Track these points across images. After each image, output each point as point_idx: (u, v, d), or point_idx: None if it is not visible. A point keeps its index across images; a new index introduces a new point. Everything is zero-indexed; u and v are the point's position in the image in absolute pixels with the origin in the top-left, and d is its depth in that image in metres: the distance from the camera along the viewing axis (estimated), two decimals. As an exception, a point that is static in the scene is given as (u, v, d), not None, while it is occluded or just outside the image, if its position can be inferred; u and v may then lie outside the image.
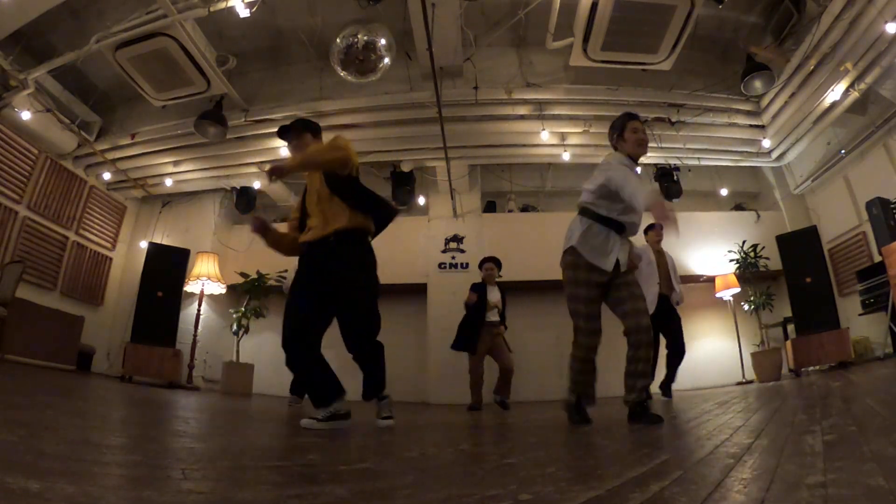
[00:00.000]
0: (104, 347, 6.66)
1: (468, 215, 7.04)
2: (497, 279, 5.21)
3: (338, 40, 5.30)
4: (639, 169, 2.69)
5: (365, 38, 5.22)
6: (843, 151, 5.96)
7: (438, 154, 6.10)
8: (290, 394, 4.66)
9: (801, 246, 6.03)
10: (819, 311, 5.62)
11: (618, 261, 2.50)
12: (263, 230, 2.61)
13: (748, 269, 6.31)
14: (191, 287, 6.63)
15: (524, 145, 6.49)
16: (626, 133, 2.68)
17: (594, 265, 2.48)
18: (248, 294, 6.41)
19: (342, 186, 2.49)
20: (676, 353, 4.51)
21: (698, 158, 6.75)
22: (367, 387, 2.61)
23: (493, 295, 4.97)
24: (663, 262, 4.63)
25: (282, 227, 2.82)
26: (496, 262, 5.26)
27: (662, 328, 4.39)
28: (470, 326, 4.85)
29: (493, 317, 4.94)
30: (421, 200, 7.26)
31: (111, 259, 7.13)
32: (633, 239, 2.69)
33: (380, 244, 4.40)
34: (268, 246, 2.72)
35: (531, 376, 6.47)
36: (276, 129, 6.99)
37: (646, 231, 4.68)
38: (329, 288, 2.47)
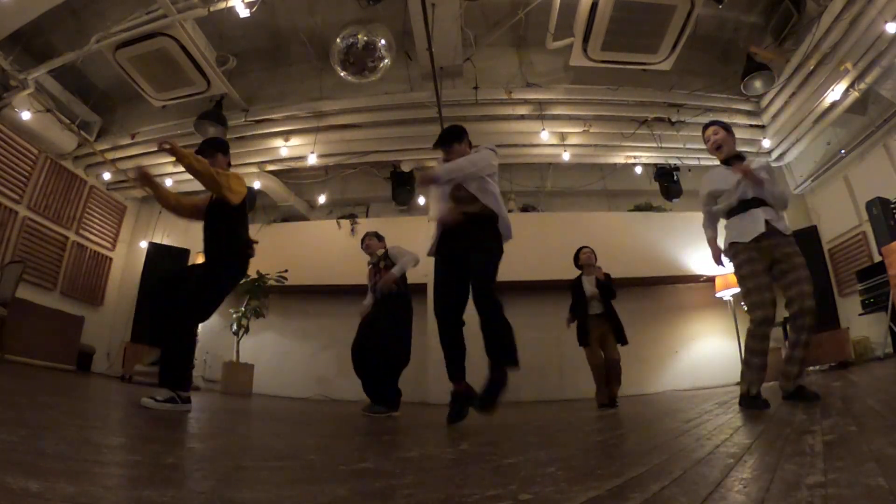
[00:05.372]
0: (104, 347, 6.66)
1: (468, 215, 7.05)
2: (593, 266, 4.63)
3: (338, 40, 5.30)
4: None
5: (365, 38, 5.23)
6: (843, 151, 5.96)
7: (438, 154, 6.10)
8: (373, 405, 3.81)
9: (800, 246, 5.95)
10: (819, 311, 5.61)
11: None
12: (147, 180, 3.05)
13: (748, 269, 6.30)
14: (191, 287, 6.63)
15: (524, 145, 6.49)
16: (706, 143, 3.02)
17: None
18: (247, 294, 6.41)
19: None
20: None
21: (698, 158, 6.75)
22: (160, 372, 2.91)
23: (589, 286, 4.52)
24: None
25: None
26: (591, 248, 4.72)
27: None
28: (579, 320, 4.58)
29: (595, 309, 4.46)
30: (421, 200, 7.26)
31: (111, 259, 7.13)
32: None
33: (393, 243, 4.47)
34: (158, 201, 3.28)
35: (531, 376, 6.47)
36: (276, 130, 6.92)
37: None
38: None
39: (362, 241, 4.42)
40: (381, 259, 4.22)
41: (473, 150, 2.94)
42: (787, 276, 2.67)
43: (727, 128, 3.00)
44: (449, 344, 2.70)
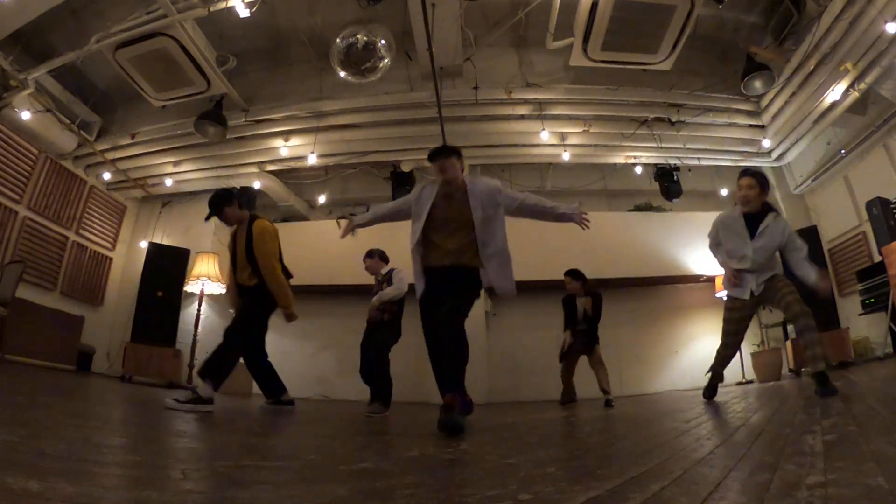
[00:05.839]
0: (104, 347, 6.66)
1: (468, 215, 7.04)
2: (578, 290, 5.05)
3: (338, 40, 5.29)
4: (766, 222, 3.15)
5: (365, 38, 5.22)
6: (843, 151, 5.96)
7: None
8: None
9: (800, 246, 6.02)
10: (819, 311, 5.61)
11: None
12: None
13: (748, 269, 6.31)
14: (191, 287, 6.62)
15: (524, 145, 6.49)
16: (738, 189, 3.23)
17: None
18: (248, 294, 6.41)
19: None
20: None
21: (698, 158, 6.74)
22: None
23: (580, 307, 5.04)
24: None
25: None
26: (574, 275, 5.06)
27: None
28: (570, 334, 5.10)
29: (581, 325, 4.98)
30: (421, 200, 7.26)
31: (111, 259, 7.12)
32: None
33: (381, 245, 4.61)
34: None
35: (531, 376, 6.47)
36: (276, 130, 6.91)
37: None
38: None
39: (364, 260, 4.65)
40: (385, 280, 4.42)
41: (468, 178, 2.97)
42: (777, 301, 3.08)
43: (763, 184, 3.12)
44: (437, 361, 2.82)
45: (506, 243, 2.84)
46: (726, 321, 3.31)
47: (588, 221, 2.89)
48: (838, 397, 2.45)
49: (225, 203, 3.50)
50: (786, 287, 3.00)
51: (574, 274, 5.05)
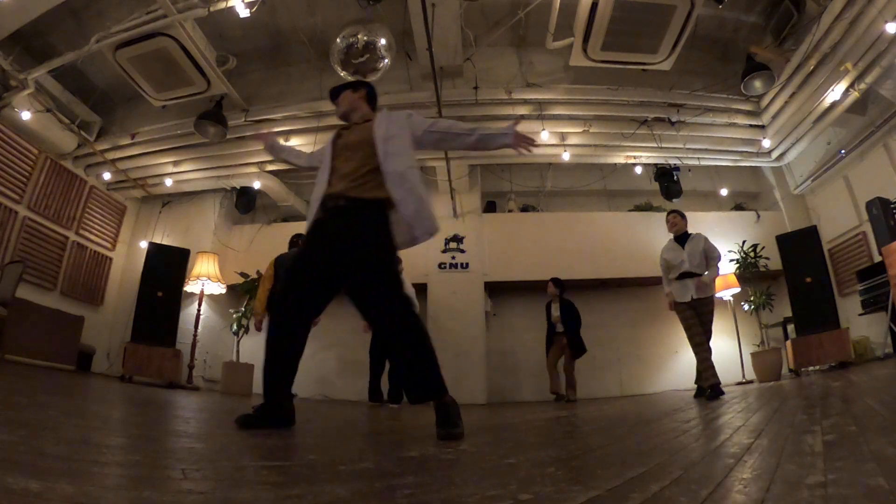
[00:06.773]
0: (104, 347, 6.66)
1: (468, 215, 7.05)
2: (558, 294, 5.88)
3: (338, 40, 5.30)
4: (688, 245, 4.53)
5: (365, 38, 5.22)
6: (843, 151, 5.96)
7: (438, 154, 6.10)
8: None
9: (801, 246, 6.02)
10: (819, 311, 5.62)
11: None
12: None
13: (748, 269, 6.31)
14: (191, 287, 6.63)
15: (524, 145, 6.48)
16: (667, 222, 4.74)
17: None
18: (247, 294, 6.42)
19: None
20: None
21: (698, 158, 6.74)
22: None
23: (554, 312, 5.84)
24: None
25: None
26: (555, 282, 5.89)
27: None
28: (547, 334, 5.91)
29: (559, 328, 5.76)
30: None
31: (111, 259, 7.13)
32: None
33: None
34: None
35: (531, 376, 6.48)
36: (276, 130, 7.08)
37: None
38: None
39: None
40: None
41: (380, 113, 2.42)
42: (702, 319, 4.36)
43: (682, 215, 4.66)
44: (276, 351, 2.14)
45: (414, 169, 2.14)
46: (683, 321, 4.41)
47: (530, 143, 2.23)
48: (838, 397, 2.45)
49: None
50: (709, 315, 4.38)
51: (553, 280, 5.89)
